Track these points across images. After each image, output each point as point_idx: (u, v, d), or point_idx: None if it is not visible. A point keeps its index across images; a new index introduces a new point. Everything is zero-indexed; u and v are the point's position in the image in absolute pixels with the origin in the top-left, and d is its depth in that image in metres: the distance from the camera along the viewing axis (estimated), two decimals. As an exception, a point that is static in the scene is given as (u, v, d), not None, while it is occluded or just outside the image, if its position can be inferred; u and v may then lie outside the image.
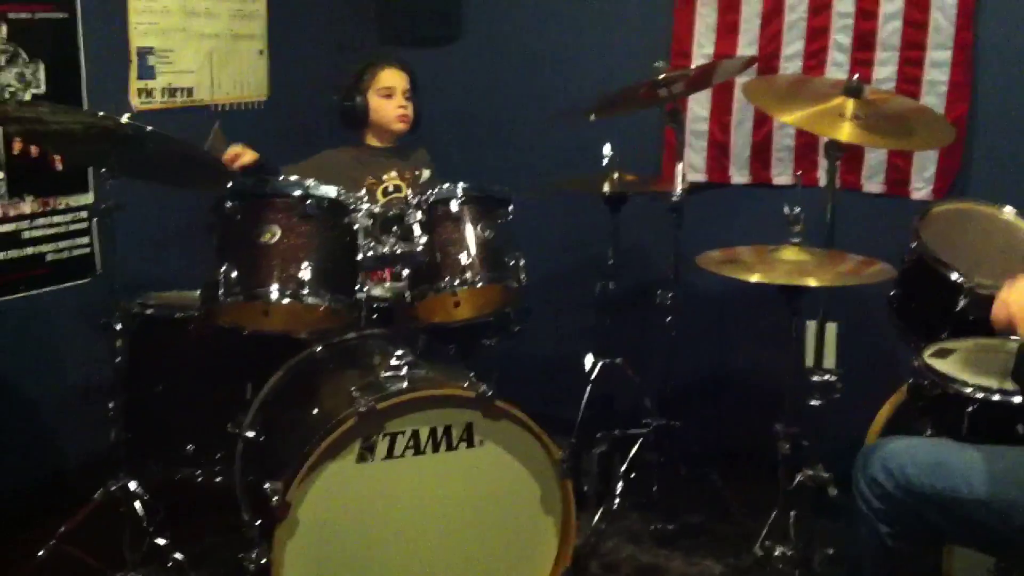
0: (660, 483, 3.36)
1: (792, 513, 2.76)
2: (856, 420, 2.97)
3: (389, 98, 3.51)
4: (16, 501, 3.34)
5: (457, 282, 2.81)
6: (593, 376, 3.48)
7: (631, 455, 3.33)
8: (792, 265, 2.72)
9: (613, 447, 3.47)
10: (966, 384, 2.44)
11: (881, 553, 2.24)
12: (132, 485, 2.87)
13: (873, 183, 3.58)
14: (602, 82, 3.69)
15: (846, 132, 2.81)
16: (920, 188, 3.50)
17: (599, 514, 3.27)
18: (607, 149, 3.36)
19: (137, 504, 2.86)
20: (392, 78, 3.52)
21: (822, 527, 2.97)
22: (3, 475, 3.39)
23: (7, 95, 3.30)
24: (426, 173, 3.55)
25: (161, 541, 2.86)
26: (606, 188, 3.38)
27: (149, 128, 2.71)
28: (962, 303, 2.74)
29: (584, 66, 4.00)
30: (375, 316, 3.00)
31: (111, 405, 2.87)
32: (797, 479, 2.85)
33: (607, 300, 3.46)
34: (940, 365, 2.54)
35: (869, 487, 2.24)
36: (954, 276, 2.76)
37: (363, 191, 2.84)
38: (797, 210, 2.71)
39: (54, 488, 3.30)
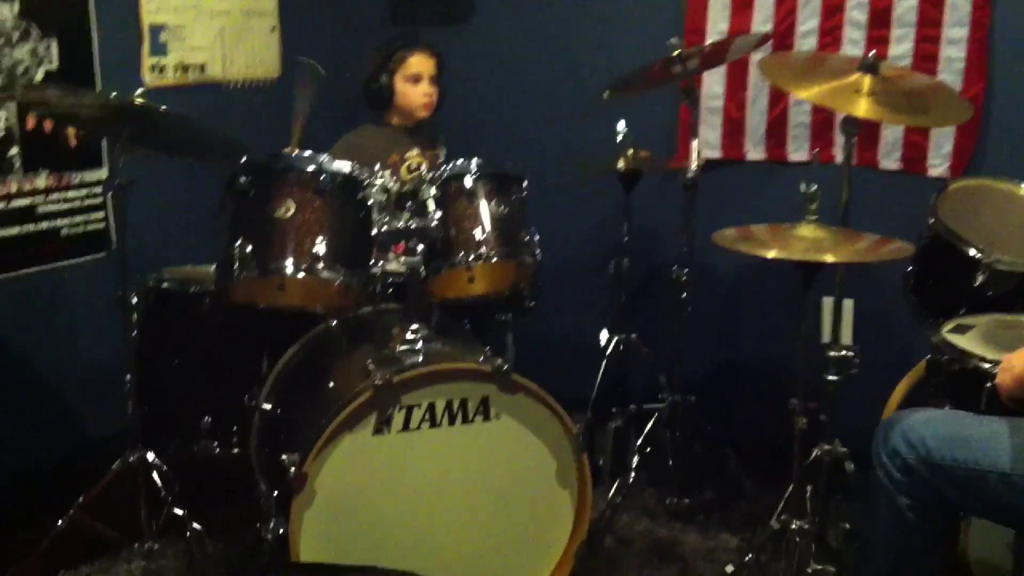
0: (675, 458, 3.36)
1: (808, 488, 2.76)
2: (872, 396, 2.97)
3: (416, 83, 3.50)
4: (33, 475, 3.35)
5: (471, 257, 2.81)
6: (608, 352, 3.48)
7: (646, 430, 3.33)
8: (809, 242, 2.71)
9: (628, 422, 3.47)
10: (984, 359, 2.43)
11: (899, 525, 2.24)
12: (150, 456, 2.88)
13: (890, 160, 3.57)
14: (615, 60, 3.68)
15: (863, 108, 2.79)
16: (937, 165, 3.49)
17: (614, 489, 3.27)
18: (621, 126, 3.35)
19: (155, 475, 2.87)
20: (420, 64, 3.51)
21: (838, 502, 2.98)
22: (20, 449, 3.40)
23: (20, 71, 3.29)
24: (442, 153, 3.56)
25: (179, 512, 2.88)
26: (620, 165, 3.37)
27: (162, 107, 2.72)
28: (980, 279, 2.74)
29: (597, 44, 3.98)
30: (389, 291, 3.00)
31: (127, 379, 2.89)
32: (814, 454, 2.85)
33: (621, 277, 3.46)
34: (959, 341, 2.54)
35: (890, 458, 2.24)
36: (972, 252, 2.76)
37: (379, 168, 2.83)
38: (814, 187, 2.70)
39: (71, 462, 3.31)
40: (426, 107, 3.53)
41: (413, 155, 3.49)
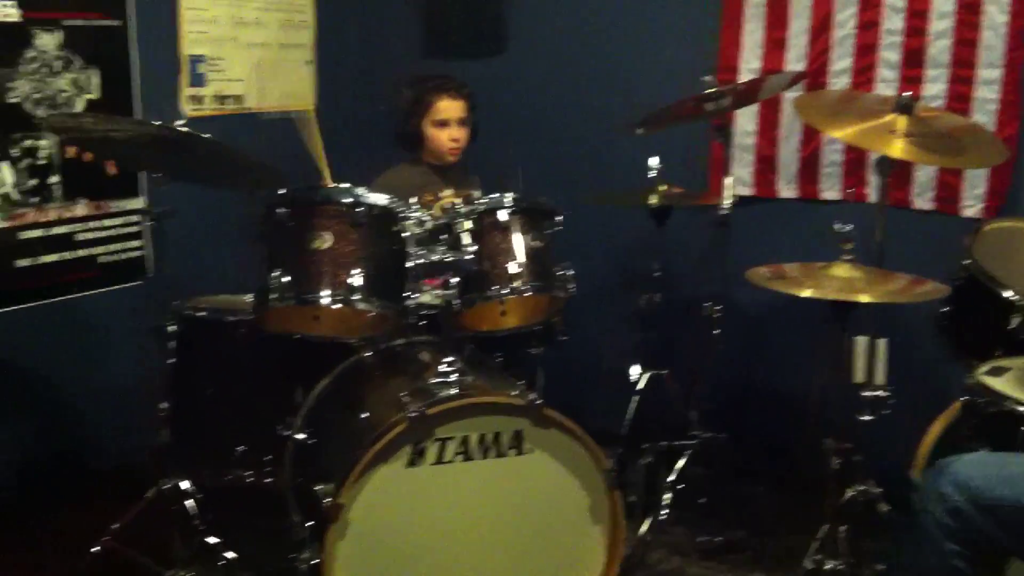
0: (707, 496, 3.35)
1: (842, 529, 2.74)
2: (905, 437, 2.95)
3: (443, 128, 3.54)
4: (68, 499, 3.37)
5: (505, 291, 2.82)
6: (639, 387, 3.47)
7: (678, 467, 3.31)
8: (843, 281, 2.71)
9: (659, 459, 3.45)
10: (1021, 403, 2.42)
11: (945, 571, 2.21)
12: (183, 484, 2.90)
13: (923, 200, 3.57)
14: (649, 96, 3.69)
15: (898, 149, 2.80)
16: (970, 205, 3.48)
17: (645, 526, 3.25)
18: (654, 162, 3.37)
19: (188, 503, 2.89)
20: (448, 109, 3.54)
21: (872, 543, 2.95)
22: (55, 473, 3.42)
23: (61, 100, 3.34)
24: (476, 193, 3.59)
25: (211, 540, 2.89)
26: (653, 201, 3.39)
27: (206, 135, 2.77)
28: (1016, 321, 2.72)
29: (631, 80, 4.00)
30: (423, 323, 3.01)
31: (162, 406, 2.91)
32: (847, 495, 2.83)
33: (653, 312, 3.46)
34: (995, 384, 2.53)
35: (937, 503, 2.21)
36: (1008, 294, 2.75)
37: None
38: (848, 227, 2.70)
39: (105, 487, 3.33)
40: (452, 152, 3.56)
41: (447, 195, 3.52)
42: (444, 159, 3.58)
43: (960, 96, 3.46)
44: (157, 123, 2.78)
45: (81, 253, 3.46)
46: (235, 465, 3.04)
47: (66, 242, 3.41)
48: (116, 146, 2.90)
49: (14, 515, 3.28)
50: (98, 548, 2.87)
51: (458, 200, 3.47)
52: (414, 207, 2.81)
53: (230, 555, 2.89)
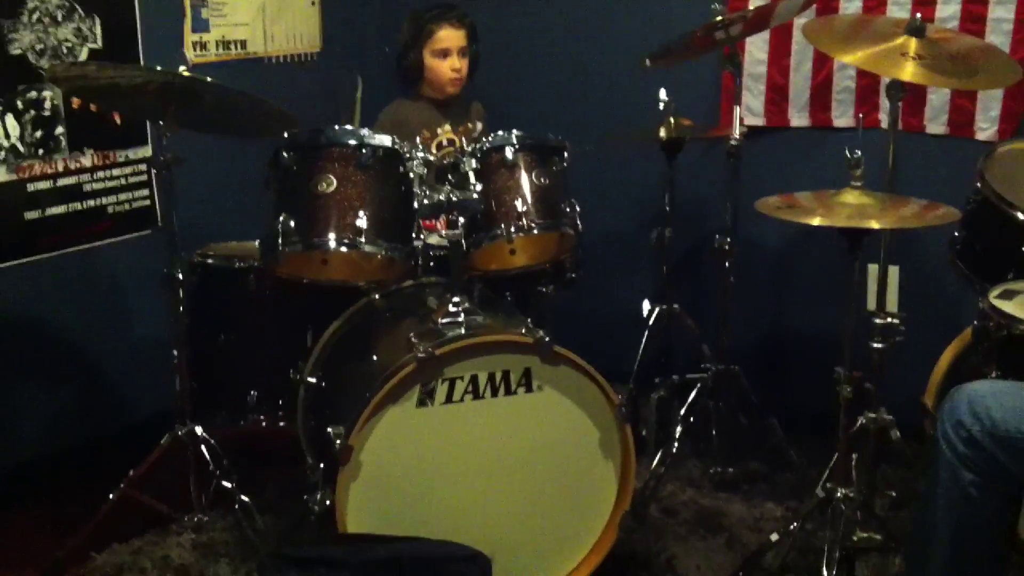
0: (719, 428, 3.35)
1: (854, 456, 2.74)
2: (918, 364, 2.94)
3: (445, 58, 3.50)
4: (84, 450, 3.41)
5: (512, 229, 2.81)
6: (650, 322, 3.47)
7: (689, 400, 3.32)
8: (854, 209, 2.67)
9: (671, 393, 3.46)
10: (1033, 325, 2.40)
11: (962, 501, 2.17)
12: (198, 430, 2.93)
13: (936, 124, 3.51)
14: (657, 27, 3.65)
15: (909, 72, 2.75)
16: (985, 128, 3.43)
17: (657, 459, 3.27)
18: (663, 94, 3.32)
19: (203, 448, 2.92)
20: (448, 38, 3.51)
21: (884, 470, 2.95)
22: (71, 425, 3.46)
23: (64, 50, 3.33)
24: (479, 126, 3.55)
25: (227, 485, 2.92)
26: (662, 134, 3.35)
27: (208, 79, 2.75)
28: (1028, 244, 2.69)
29: (639, 11, 3.94)
30: (431, 264, 3.01)
31: (175, 355, 2.93)
32: (859, 422, 2.82)
33: (664, 247, 3.43)
34: (1006, 306, 2.51)
35: (954, 430, 2.17)
36: (1021, 216, 2.71)
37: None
38: (858, 153, 2.66)
39: (121, 437, 3.37)
40: (453, 83, 3.53)
41: (445, 131, 3.49)
42: (445, 91, 3.54)
43: (974, 16, 3.39)
44: (159, 69, 2.76)
45: (90, 204, 3.46)
46: (249, 410, 3.07)
47: (74, 193, 3.40)
48: (121, 97, 2.89)
49: (33, 468, 3.34)
50: (115, 496, 2.90)
51: (455, 137, 3.46)
52: (418, 146, 2.80)
53: (245, 499, 2.92)
